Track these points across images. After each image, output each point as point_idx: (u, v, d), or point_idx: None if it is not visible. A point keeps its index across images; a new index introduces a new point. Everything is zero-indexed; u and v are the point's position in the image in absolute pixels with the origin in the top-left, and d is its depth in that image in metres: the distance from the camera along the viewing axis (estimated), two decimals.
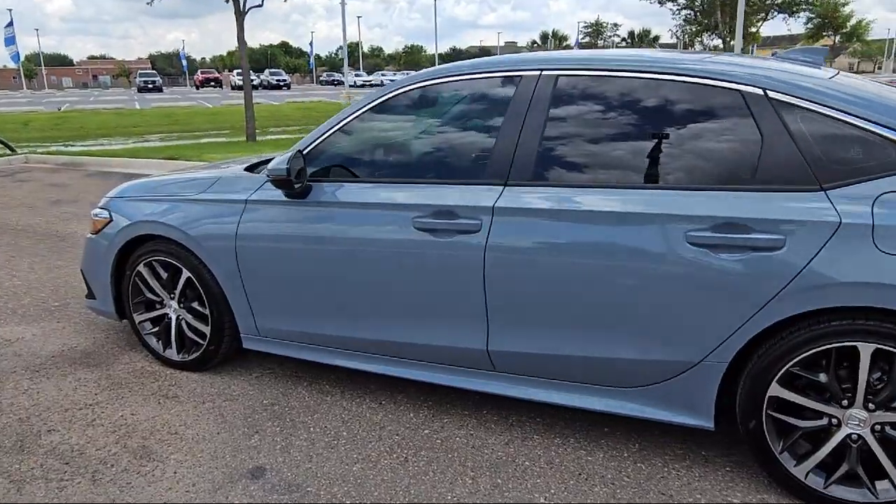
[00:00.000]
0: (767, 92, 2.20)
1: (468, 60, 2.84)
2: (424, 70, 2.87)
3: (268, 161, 3.52)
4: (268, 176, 2.80)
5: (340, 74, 64.84)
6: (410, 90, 2.78)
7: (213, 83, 54.09)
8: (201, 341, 3.26)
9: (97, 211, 3.48)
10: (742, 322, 2.16)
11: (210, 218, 3.07)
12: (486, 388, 2.67)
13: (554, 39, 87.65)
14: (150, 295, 3.37)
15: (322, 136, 2.89)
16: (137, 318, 3.42)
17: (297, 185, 2.74)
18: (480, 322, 2.56)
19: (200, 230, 3.07)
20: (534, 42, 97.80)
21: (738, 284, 2.15)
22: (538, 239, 2.42)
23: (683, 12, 37.81)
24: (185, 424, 2.85)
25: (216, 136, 15.00)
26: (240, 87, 47.98)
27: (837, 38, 51.65)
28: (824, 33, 50.88)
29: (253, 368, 3.37)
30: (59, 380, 3.28)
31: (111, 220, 3.36)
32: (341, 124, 2.87)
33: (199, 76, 56.93)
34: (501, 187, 2.50)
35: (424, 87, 2.77)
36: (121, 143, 14.00)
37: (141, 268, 3.30)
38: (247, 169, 3.35)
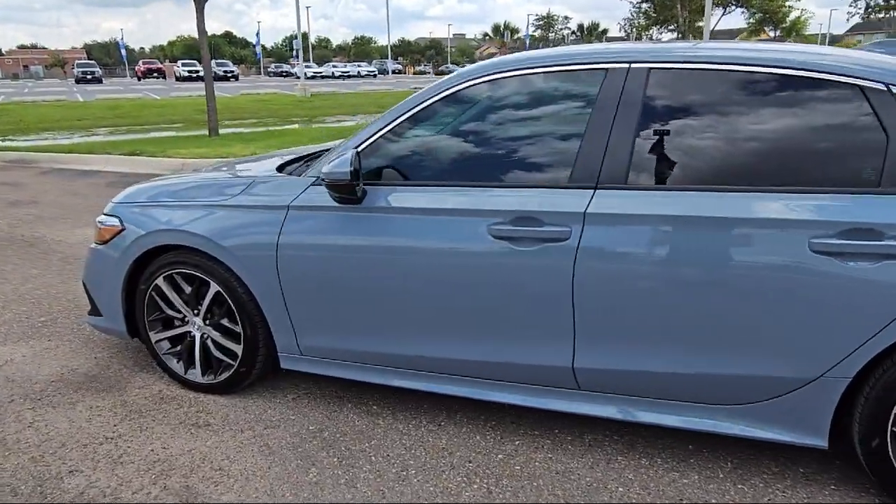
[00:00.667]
0: (891, 87, 2.06)
1: (544, 50, 2.61)
2: (491, 61, 2.62)
3: (298, 160, 3.24)
4: (323, 180, 2.51)
5: (289, 66, 63.39)
6: (479, 82, 2.53)
7: (155, 74, 52.00)
8: (231, 362, 2.95)
9: (104, 218, 3.11)
10: (871, 335, 2.01)
11: (246, 226, 2.76)
12: (571, 409, 2.46)
13: (507, 31, 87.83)
14: (169, 311, 3.03)
15: (379, 132, 2.61)
16: (154, 336, 3.08)
17: (357, 191, 2.47)
18: (566, 337, 2.35)
19: (235, 240, 2.76)
20: (485, 34, 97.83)
21: (868, 294, 2.00)
22: (636, 247, 2.22)
23: (644, 6, 38.32)
24: (228, 458, 2.55)
25: (169, 129, 14.31)
26: (186, 79, 46.48)
27: (777, 32, 53.34)
28: (765, 27, 52.51)
29: (286, 390, 3.07)
30: (67, 409, 2.92)
31: (123, 230, 3.00)
32: (401, 119, 2.60)
33: (140, 67, 54.62)
34: (591, 191, 2.29)
35: (495, 79, 2.52)
36: (67, 137, 13.19)
37: (160, 281, 2.96)
38: (277, 169, 3.05)
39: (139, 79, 51.96)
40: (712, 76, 2.26)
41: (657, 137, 2.28)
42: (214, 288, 2.86)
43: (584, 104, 2.39)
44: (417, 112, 2.60)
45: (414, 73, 70.54)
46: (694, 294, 2.17)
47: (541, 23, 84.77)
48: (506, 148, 2.55)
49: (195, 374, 3.04)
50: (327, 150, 3.07)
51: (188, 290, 2.94)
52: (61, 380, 3.19)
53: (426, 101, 2.59)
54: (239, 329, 2.88)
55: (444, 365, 2.59)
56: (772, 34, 52.39)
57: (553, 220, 2.29)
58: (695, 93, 2.28)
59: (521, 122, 2.57)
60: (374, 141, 2.62)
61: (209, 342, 2.99)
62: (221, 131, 12.54)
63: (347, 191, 2.47)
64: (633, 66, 2.33)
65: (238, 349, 2.91)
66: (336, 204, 2.59)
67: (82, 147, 11.15)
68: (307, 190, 2.68)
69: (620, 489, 2.33)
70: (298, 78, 32.02)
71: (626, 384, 2.36)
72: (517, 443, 2.62)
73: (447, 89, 2.57)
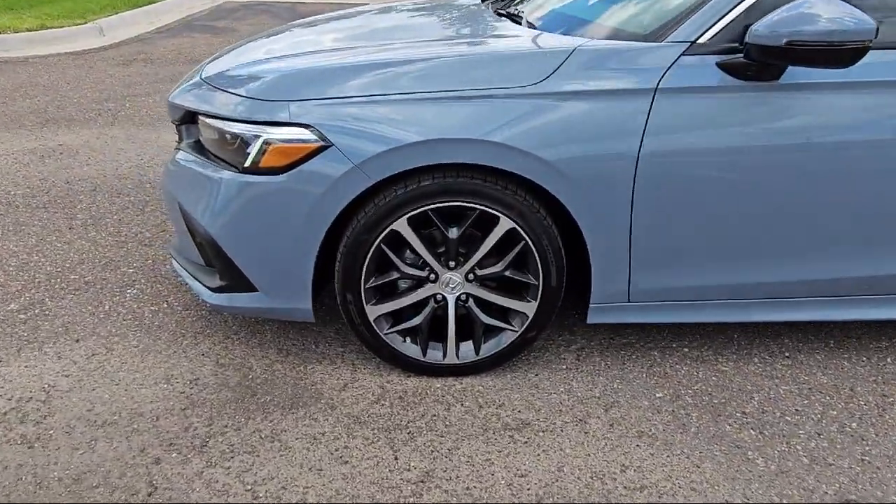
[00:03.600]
0: None
1: None
2: None
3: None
4: (745, 46, 1.66)
5: None
6: None
7: None
8: (511, 326, 2.02)
9: (275, 133, 1.81)
10: None
11: (581, 125, 1.78)
12: None
13: None
14: (408, 270, 1.95)
15: None
16: (372, 311, 1.97)
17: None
18: None
19: (563, 149, 1.77)
20: None
21: None
22: None
23: None
24: (610, 460, 1.75)
25: None
26: None
27: None
28: None
29: (535, 354, 2.23)
30: (308, 443, 1.78)
31: (327, 147, 1.78)
32: None
33: None
34: None
35: None
36: None
37: (400, 226, 1.85)
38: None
39: None
40: None
41: None
42: (506, 225, 1.86)
43: None
44: None
45: None
46: None
47: None
48: None
49: (436, 355, 2.05)
50: None
51: (452, 233, 1.89)
52: (234, 393, 1.94)
53: None
54: (533, 280, 1.95)
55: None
56: None
57: None
58: None
59: None
60: None
61: (472, 305, 2.00)
62: None
63: (778, 57, 1.66)
64: None
65: (528, 308, 1.99)
66: (736, 82, 1.76)
67: None
68: (678, 63, 1.78)
69: None
70: None
71: None
72: None
73: None
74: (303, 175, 1.79)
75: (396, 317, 2.03)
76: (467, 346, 2.05)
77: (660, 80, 1.77)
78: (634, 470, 1.74)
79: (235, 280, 1.98)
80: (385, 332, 2.01)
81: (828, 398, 2.02)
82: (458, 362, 2.05)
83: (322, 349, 2.21)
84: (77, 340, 2.22)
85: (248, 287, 1.97)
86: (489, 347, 2.04)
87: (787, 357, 2.21)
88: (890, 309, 2.09)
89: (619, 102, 1.78)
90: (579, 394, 2.02)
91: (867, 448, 1.82)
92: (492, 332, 2.04)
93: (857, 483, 1.71)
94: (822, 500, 1.66)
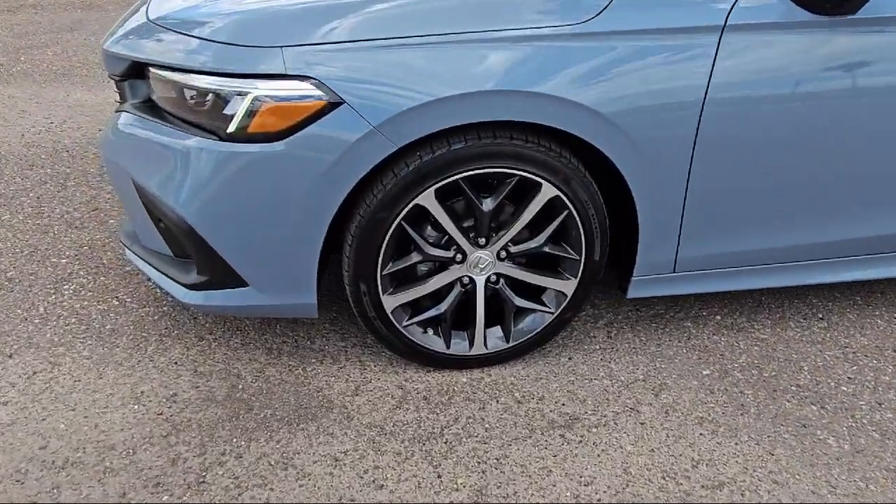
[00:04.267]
0: None
1: None
2: None
3: None
4: None
5: None
6: None
7: None
8: (546, 308, 1.76)
9: (268, 88, 1.42)
10: None
11: (641, 72, 1.50)
12: None
13: None
14: (433, 252, 1.63)
15: None
16: (390, 301, 1.66)
17: None
18: None
19: (620, 101, 1.49)
20: None
21: None
22: None
23: None
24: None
25: None
26: None
27: None
28: None
29: (584, 329, 2.00)
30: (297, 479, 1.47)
31: (338, 104, 1.41)
32: None
33: None
34: None
35: None
36: None
37: (426, 199, 1.53)
38: None
39: None
40: None
41: None
42: (549, 192, 1.58)
43: None
44: None
45: None
46: None
47: None
48: None
49: (463, 345, 1.77)
50: None
51: (487, 205, 1.58)
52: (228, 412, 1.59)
53: None
54: (573, 254, 1.69)
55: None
56: None
57: None
58: None
59: None
60: None
61: (502, 286, 1.72)
62: None
63: None
64: None
65: (566, 286, 1.73)
66: (810, 17, 1.53)
67: None
68: None
69: None
70: None
71: None
72: None
73: None
74: (307, 141, 1.43)
75: (412, 305, 1.72)
76: (495, 333, 1.78)
77: (728, 15, 1.51)
78: (706, 464, 1.55)
79: (218, 274, 1.60)
80: (403, 324, 1.71)
81: (875, 361, 1.90)
82: (486, 352, 1.78)
83: (319, 345, 1.88)
84: (10, 356, 1.79)
85: (234, 282, 1.61)
86: (521, 333, 1.78)
87: (822, 318, 2.08)
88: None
89: (682, 41, 1.51)
90: (622, 378, 1.81)
91: None
92: (521, 315, 1.78)
93: None
94: None
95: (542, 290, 1.77)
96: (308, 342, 1.89)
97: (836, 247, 1.87)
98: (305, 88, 1.42)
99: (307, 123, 1.42)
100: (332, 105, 1.42)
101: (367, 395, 1.72)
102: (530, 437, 1.61)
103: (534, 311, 1.77)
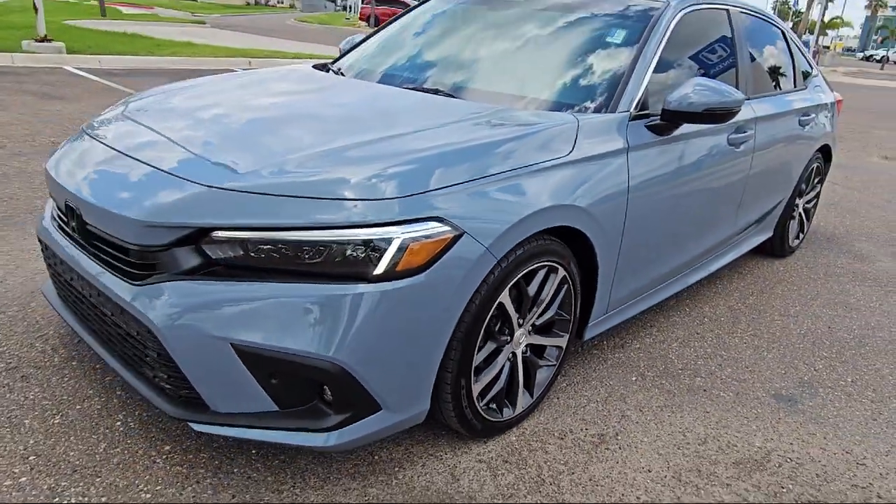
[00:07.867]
0: None
1: None
2: None
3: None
4: (663, 112, 2.37)
5: None
6: None
7: None
8: (551, 362, 2.28)
9: (412, 231, 1.64)
10: None
11: (598, 180, 2.18)
12: None
13: None
14: (500, 338, 2.00)
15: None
16: (476, 390, 1.97)
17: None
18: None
19: (591, 198, 2.14)
20: None
21: None
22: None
23: None
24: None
25: None
26: None
27: None
28: None
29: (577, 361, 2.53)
30: None
31: (459, 236, 1.72)
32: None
33: None
34: None
35: None
36: None
37: (504, 297, 1.93)
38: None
39: None
40: None
41: None
42: (561, 273, 2.13)
43: None
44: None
45: None
46: None
47: None
48: None
49: (507, 410, 2.16)
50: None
51: (531, 292, 2.04)
52: None
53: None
54: (567, 315, 2.27)
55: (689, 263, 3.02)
56: None
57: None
58: None
59: None
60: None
61: (530, 354, 2.18)
62: None
63: (702, 121, 2.41)
64: None
65: (562, 341, 2.29)
66: (657, 137, 2.44)
67: None
68: (629, 127, 2.34)
69: None
70: None
71: None
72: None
73: None
74: (443, 269, 1.71)
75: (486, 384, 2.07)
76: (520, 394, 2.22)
77: (626, 140, 2.33)
78: (692, 434, 2.30)
79: (360, 407, 1.70)
80: (483, 403, 2.04)
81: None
82: (522, 410, 2.21)
83: (386, 456, 2.02)
84: None
85: (371, 410, 1.72)
86: (539, 386, 2.27)
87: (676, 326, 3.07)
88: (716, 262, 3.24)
89: (615, 158, 2.27)
90: (598, 397, 2.44)
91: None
92: (530, 372, 2.27)
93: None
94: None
95: (544, 349, 2.29)
96: (375, 457, 2.01)
97: (694, 259, 2.90)
98: (438, 226, 1.71)
99: (442, 254, 1.71)
100: (458, 236, 1.74)
101: (465, 478, 1.97)
102: (591, 457, 2.11)
103: (543, 366, 2.28)
